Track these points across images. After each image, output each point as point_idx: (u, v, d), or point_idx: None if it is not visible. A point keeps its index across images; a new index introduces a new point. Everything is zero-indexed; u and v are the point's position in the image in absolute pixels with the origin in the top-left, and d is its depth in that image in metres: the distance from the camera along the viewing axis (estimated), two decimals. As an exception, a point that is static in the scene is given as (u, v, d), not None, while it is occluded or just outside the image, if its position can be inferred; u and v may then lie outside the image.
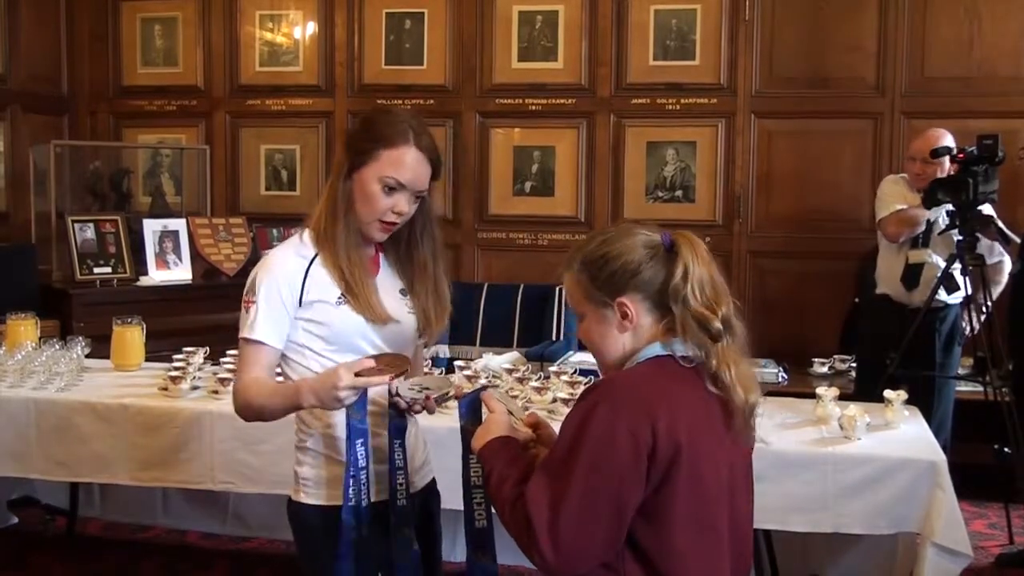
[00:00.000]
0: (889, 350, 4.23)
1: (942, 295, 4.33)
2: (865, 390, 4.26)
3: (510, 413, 1.94)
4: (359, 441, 2.06)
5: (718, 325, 1.68)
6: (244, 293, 2.14)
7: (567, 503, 1.60)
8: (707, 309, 1.69)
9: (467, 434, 2.01)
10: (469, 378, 3.55)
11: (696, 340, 1.69)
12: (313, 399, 2.02)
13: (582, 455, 1.61)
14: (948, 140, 4.40)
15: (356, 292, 2.11)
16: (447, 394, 2.24)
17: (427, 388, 2.17)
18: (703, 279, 1.70)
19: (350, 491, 2.06)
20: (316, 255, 2.13)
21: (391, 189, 2.08)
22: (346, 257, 2.11)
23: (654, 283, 1.71)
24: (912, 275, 4.46)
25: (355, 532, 2.06)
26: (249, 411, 2.14)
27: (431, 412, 2.17)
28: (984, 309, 4.32)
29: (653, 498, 1.63)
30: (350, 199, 2.11)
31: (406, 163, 2.08)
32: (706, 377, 1.71)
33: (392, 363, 2.06)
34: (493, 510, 1.88)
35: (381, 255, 2.23)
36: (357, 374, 1.98)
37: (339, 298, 2.11)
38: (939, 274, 4.25)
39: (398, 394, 2.13)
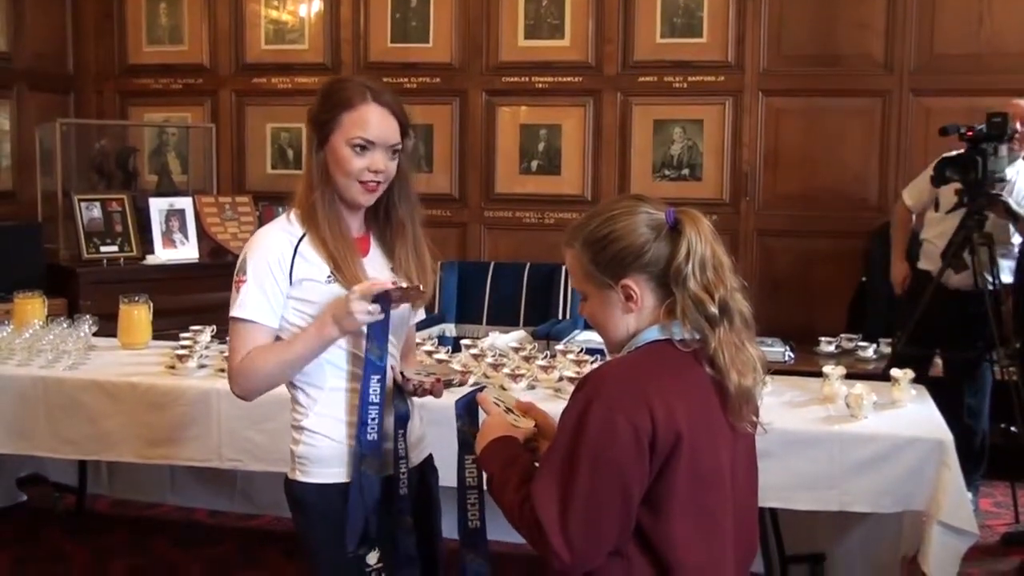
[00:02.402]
0: (931, 332, 4.15)
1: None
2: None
3: (508, 411, 1.91)
4: (375, 377, 2.07)
5: (714, 310, 1.66)
6: (235, 273, 2.14)
7: (575, 501, 1.59)
8: (705, 292, 1.67)
9: (463, 436, 2.01)
10: (476, 357, 3.55)
11: (694, 323, 1.68)
12: (334, 328, 2.04)
13: (584, 451, 1.60)
14: None
15: (343, 268, 2.10)
16: (453, 380, 2.24)
17: (433, 373, 2.18)
18: (705, 259, 1.68)
19: (365, 424, 2.07)
20: (304, 235, 2.13)
21: (362, 148, 2.09)
22: (328, 231, 2.11)
23: (658, 263, 1.69)
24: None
25: (370, 466, 2.07)
26: (259, 385, 2.12)
27: (438, 396, 2.17)
28: (993, 285, 4.26)
29: (654, 485, 1.62)
30: (325, 171, 2.13)
31: (369, 120, 2.09)
32: (704, 360, 1.69)
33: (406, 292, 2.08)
34: (487, 510, 1.88)
35: (371, 236, 2.23)
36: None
37: (328, 276, 2.11)
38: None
39: (404, 377, 2.13)
